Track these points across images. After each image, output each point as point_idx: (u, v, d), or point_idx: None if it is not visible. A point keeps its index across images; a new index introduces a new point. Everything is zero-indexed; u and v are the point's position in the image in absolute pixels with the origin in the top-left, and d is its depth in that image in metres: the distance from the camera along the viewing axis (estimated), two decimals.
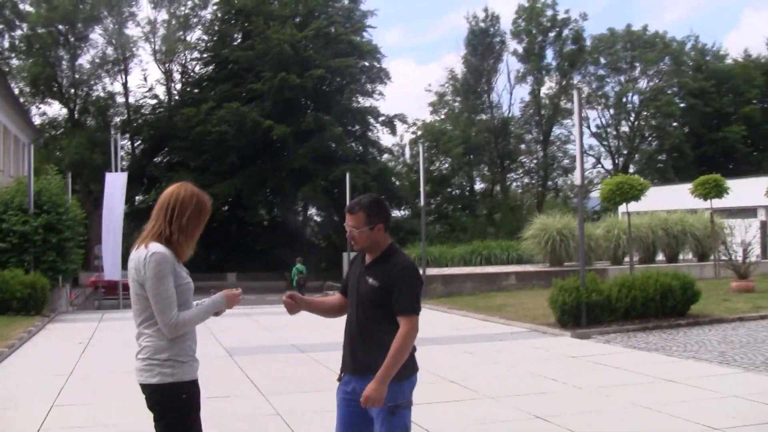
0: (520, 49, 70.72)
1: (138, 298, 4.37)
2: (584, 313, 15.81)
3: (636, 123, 70.83)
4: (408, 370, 4.65)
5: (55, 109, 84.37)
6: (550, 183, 73.21)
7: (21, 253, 22.03)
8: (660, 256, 29.76)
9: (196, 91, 63.27)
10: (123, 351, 14.34)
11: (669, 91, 68.82)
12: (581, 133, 16.75)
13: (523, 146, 72.82)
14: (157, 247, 4.33)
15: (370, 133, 64.22)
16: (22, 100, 57.62)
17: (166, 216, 4.46)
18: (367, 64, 62.68)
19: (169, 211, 4.46)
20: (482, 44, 70.11)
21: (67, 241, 23.04)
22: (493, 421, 8.42)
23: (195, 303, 4.65)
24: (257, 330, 18.25)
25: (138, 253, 4.37)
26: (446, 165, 68.67)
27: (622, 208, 27.43)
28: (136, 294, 4.37)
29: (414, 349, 4.70)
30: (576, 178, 16.54)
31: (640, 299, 16.40)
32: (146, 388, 4.39)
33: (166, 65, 65.60)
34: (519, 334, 16.13)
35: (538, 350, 13.67)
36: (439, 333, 16.40)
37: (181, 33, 64.10)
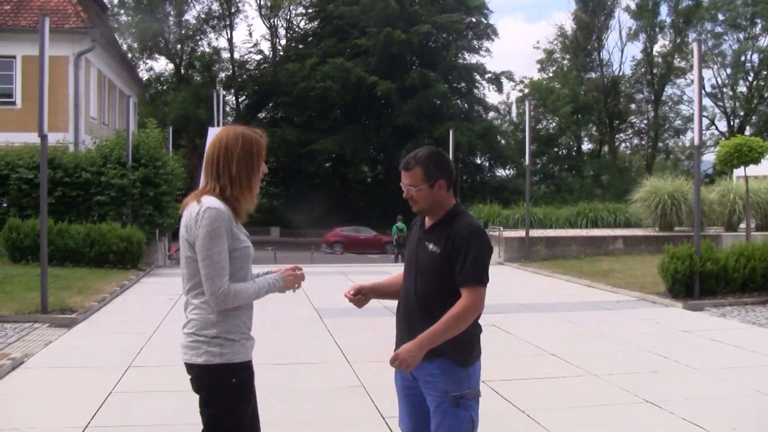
0: (632, 4, 68.16)
1: (188, 261, 3.75)
2: (698, 283, 14.70)
3: (755, 83, 67.51)
4: (474, 355, 4.01)
5: (161, 64, 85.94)
6: (660, 145, 70.68)
7: (119, 206, 22.00)
8: None
9: (300, 46, 63.27)
10: None
11: None
12: (701, 89, 15.52)
13: (633, 106, 70.40)
14: (212, 201, 3.69)
15: (476, 91, 63.40)
16: (130, 55, 58.43)
17: (214, 169, 3.79)
18: (474, 20, 61.61)
19: (216, 162, 3.79)
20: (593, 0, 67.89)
21: (165, 195, 22.85)
22: (597, 403, 7.58)
23: (256, 274, 4.02)
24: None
25: (190, 209, 3.73)
26: (553, 124, 67.31)
27: (737, 171, 25.95)
28: (186, 257, 3.75)
29: (479, 329, 4.07)
30: (694, 137, 15.33)
31: (760, 270, 15.18)
32: (191, 369, 3.78)
33: (271, 20, 65.77)
34: (626, 303, 15.09)
35: (647, 322, 12.66)
36: (541, 299, 15.55)
37: None
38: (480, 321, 3.98)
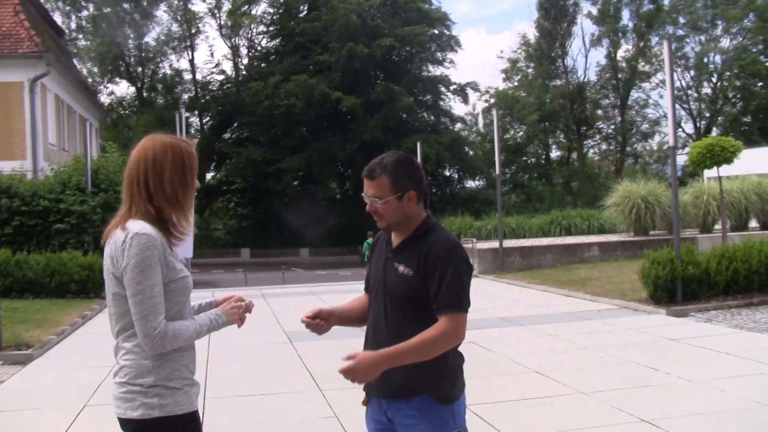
0: (594, 10, 67.90)
1: (115, 299, 3.17)
2: (680, 288, 14.25)
3: (719, 84, 67.59)
4: (458, 388, 3.49)
5: (123, 88, 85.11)
6: (628, 149, 70.60)
7: (80, 233, 21.25)
8: (753, 223, 27.79)
9: (263, 65, 62.64)
10: None
11: (754, 50, 65.55)
12: (673, 89, 15.11)
13: (599, 111, 70.14)
14: (140, 226, 3.11)
15: (441, 103, 62.90)
16: (90, 80, 57.65)
17: (143, 188, 3.21)
18: (436, 32, 61.24)
19: (144, 180, 3.20)
20: (555, 7, 67.62)
21: None
22: (590, 425, 7.02)
23: (194, 306, 3.45)
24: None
25: (114, 238, 3.14)
26: (521, 133, 67.02)
27: (708, 172, 25.67)
28: (113, 293, 3.17)
29: (461, 359, 3.55)
30: (669, 138, 14.92)
31: (743, 272, 14.81)
32: (126, 425, 3.18)
33: (233, 40, 65.06)
34: (607, 311, 14.58)
35: (632, 331, 12.16)
36: (519, 311, 15.03)
37: (246, 6, 63.05)
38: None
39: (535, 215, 35.13)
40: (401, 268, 3.47)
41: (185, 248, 26.63)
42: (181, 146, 3.26)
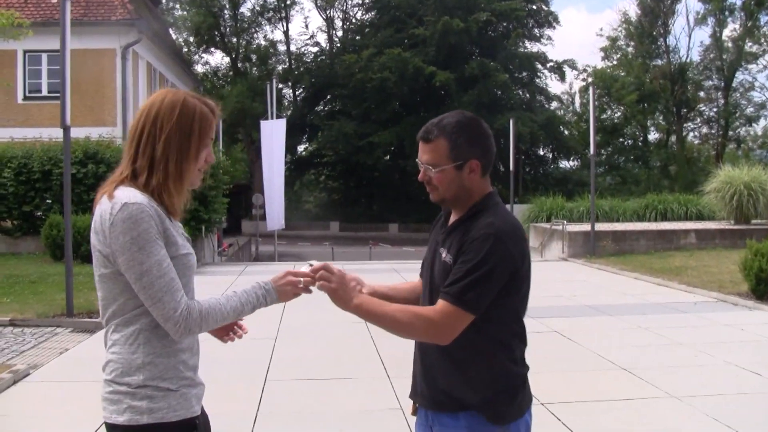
0: None
1: (101, 280, 2.64)
2: None
3: None
4: (516, 406, 2.84)
5: (217, 58, 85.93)
6: (731, 133, 68.11)
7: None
8: None
9: (357, 38, 62.55)
10: None
11: None
12: None
13: (702, 94, 67.74)
14: (129, 194, 2.57)
15: (537, 80, 61.97)
16: (186, 50, 58.11)
17: (133, 147, 2.67)
18: (534, 7, 60.10)
19: (138, 137, 2.66)
20: None
21: (210, 189, 21.97)
22: None
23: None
24: None
25: (101, 208, 2.59)
26: (618, 113, 65.32)
27: None
28: (99, 274, 2.63)
29: (525, 368, 2.91)
30: None
31: None
32: (112, 431, 2.65)
33: (327, 12, 65.08)
34: (704, 305, 13.58)
35: (731, 328, 11.25)
36: (608, 300, 14.16)
37: None
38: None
39: (630, 198, 33.91)
40: (444, 253, 2.90)
41: (275, 220, 26.50)
42: (195, 106, 2.69)
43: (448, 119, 2.90)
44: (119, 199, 2.53)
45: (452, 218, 3.02)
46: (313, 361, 9.09)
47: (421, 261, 3.23)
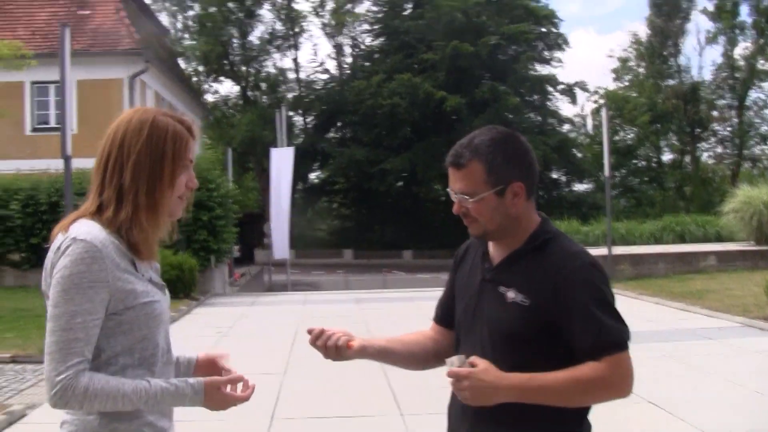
0: (710, 6, 64.94)
1: None
2: None
3: None
4: None
5: (227, 86, 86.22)
6: (746, 152, 67.48)
7: (171, 232, 20.75)
8: None
9: (366, 64, 62.53)
10: (254, 346, 12.65)
11: None
12: None
13: (715, 113, 67.18)
14: (86, 228, 2.22)
15: (548, 103, 61.69)
16: (195, 79, 58.19)
17: (102, 175, 2.30)
18: (544, 29, 59.91)
19: (102, 164, 2.30)
20: (668, 3, 65.21)
21: (219, 219, 21.64)
22: None
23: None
24: (420, 321, 15.54)
25: (55, 243, 2.23)
26: (631, 135, 64.82)
27: None
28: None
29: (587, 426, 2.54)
30: None
31: None
32: None
33: (336, 39, 65.04)
34: (729, 330, 13.08)
35: (760, 355, 10.74)
36: (630, 326, 13.65)
37: (350, 5, 62.77)
38: None
39: (646, 221, 33.45)
40: (510, 293, 2.43)
41: (281, 249, 26.18)
42: (167, 125, 2.32)
43: (480, 138, 2.50)
44: (71, 234, 2.19)
45: (497, 252, 2.57)
46: (323, 397, 8.68)
47: (438, 301, 2.81)
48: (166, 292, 2.44)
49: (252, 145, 53.87)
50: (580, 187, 63.50)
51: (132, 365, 2.25)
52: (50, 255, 2.22)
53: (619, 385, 2.37)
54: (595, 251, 22.93)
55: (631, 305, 17.02)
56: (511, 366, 2.34)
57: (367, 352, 2.62)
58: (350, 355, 2.57)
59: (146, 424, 2.26)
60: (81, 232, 2.20)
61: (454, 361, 2.34)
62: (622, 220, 34.40)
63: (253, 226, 53.10)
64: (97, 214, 2.27)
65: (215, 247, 21.73)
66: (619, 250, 23.71)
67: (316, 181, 66.29)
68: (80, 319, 2.12)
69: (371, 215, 62.28)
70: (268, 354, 11.52)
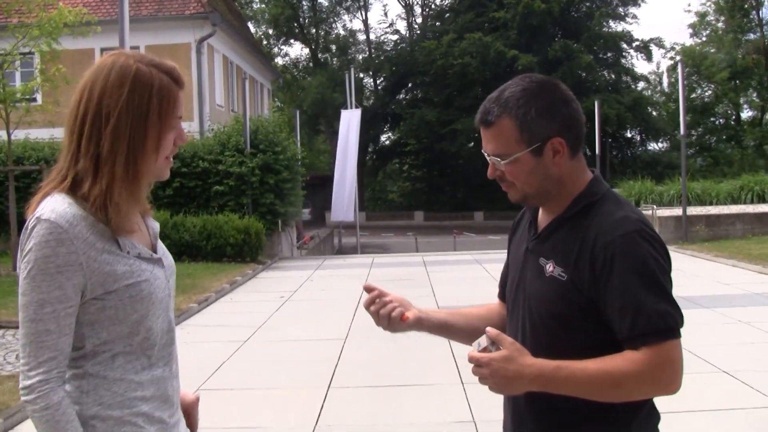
0: None
1: None
2: None
3: None
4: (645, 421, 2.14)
5: (296, 49, 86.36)
6: None
7: (239, 195, 20.94)
8: None
9: (437, 23, 61.94)
10: (316, 312, 12.55)
11: None
12: None
13: None
14: (51, 205, 1.94)
15: (623, 60, 60.30)
16: (265, 42, 58.28)
17: (72, 140, 2.01)
18: None
19: (81, 126, 1.99)
20: None
21: (286, 182, 21.58)
22: None
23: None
24: (487, 284, 14.01)
25: (26, 224, 1.98)
26: (708, 92, 63.14)
27: None
28: None
29: (657, 418, 2.21)
30: None
31: None
32: None
33: None
34: None
35: None
36: (702, 290, 13.15)
37: None
38: None
39: (723, 180, 32.54)
40: (549, 266, 2.13)
41: (342, 212, 26.13)
42: (151, 78, 2.01)
43: (511, 89, 2.14)
44: (36, 213, 1.94)
45: (543, 216, 2.27)
46: (382, 365, 8.49)
47: (500, 274, 2.50)
48: (165, 263, 2.16)
49: (322, 107, 53.90)
50: (654, 146, 62.30)
51: (124, 352, 2.02)
52: (22, 236, 1.99)
53: (659, 380, 1.97)
54: (669, 212, 22.49)
55: (705, 268, 16.54)
56: (549, 348, 2.07)
57: (424, 326, 2.39)
58: (404, 328, 2.35)
59: (141, 415, 2.03)
60: (46, 210, 1.93)
61: (481, 343, 2.09)
62: (698, 179, 33.55)
63: (324, 189, 53.27)
64: (72, 188, 2.00)
65: (282, 210, 21.69)
66: (694, 210, 23.12)
67: (387, 143, 66.16)
68: (49, 309, 1.90)
69: (442, 176, 61.92)
70: (329, 320, 11.42)
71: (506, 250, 2.45)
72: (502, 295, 2.49)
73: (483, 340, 2.07)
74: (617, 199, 2.17)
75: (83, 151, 1.98)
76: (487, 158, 2.20)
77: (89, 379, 1.99)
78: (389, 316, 2.31)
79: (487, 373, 2.00)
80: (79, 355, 1.99)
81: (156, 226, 2.24)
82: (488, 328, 2.07)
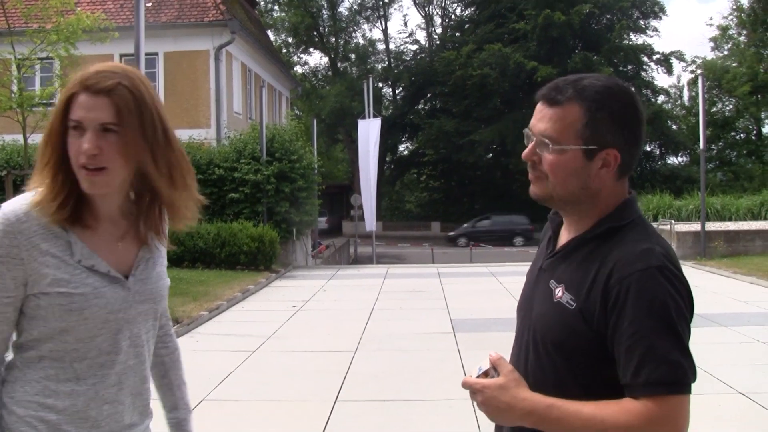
0: None
1: None
2: None
3: None
4: None
5: (316, 58, 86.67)
6: None
7: (254, 203, 21.00)
8: None
9: (457, 34, 61.99)
10: (327, 322, 12.44)
11: None
12: None
13: None
14: (14, 200, 2.02)
15: (643, 73, 59.97)
16: (284, 50, 58.45)
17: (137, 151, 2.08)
18: None
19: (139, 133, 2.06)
20: None
21: (301, 191, 21.57)
22: None
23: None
24: (501, 297, 14.42)
25: None
26: (729, 106, 62.78)
27: None
28: None
29: None
30: None
31: None
32: None
33: (426, 9, 64.82)
34: None
35: None
36: (721, 307, 12.99)
37: None
38: None
39: (743, 196, 32.26)
40: (559, 291, 1.95)
41: (371, 221, 26.13)
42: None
43: (592, 80, 1.95)
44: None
45: (564, 233, 2.09)
46: (391, 378, 8.38)
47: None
48: (135, 287, 2.12)
49: (341, 116, 53.96)
50: (674, 160, 61.97)
51: (50, 357, 2.02)
52: None
53: (650, 429, 1.76)
54: (687, 227, 22.29)
55: (723, 285, 16.36)
56: (552, 379, 1.93)
57: None
58: None
59: (43, 421, 2.00)
60: (7, 204, 2.00)
61: (482, 366, 1.98)
62: (717, 194, 33.30)
63: (342, 198, 53.23)
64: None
65: (297, 218, 21.68)
66: (713, 225, 22.90)
67: (405, 153, 66.15)
68: None
69: (460, 187, 61.83)
70: (340, 331, 11.31)
71: (528, 261, 2.30)
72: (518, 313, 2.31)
73: (484, 364, 1.97)
74: (645, 228, 1.98)
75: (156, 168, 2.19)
76: (530, 137, 2.00)
77: (14, 371, 2.04)
78: None
79: (480, 400, 1.89)
80: (17, 345, 2.05)
81: (158, 251, 2.26)
82: (491, 352, 1.96)
